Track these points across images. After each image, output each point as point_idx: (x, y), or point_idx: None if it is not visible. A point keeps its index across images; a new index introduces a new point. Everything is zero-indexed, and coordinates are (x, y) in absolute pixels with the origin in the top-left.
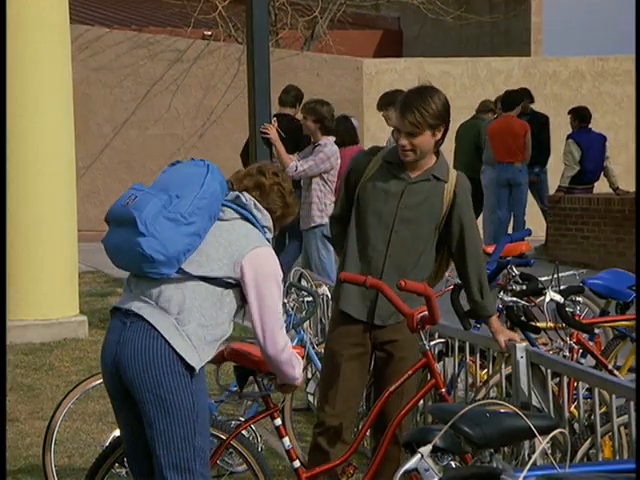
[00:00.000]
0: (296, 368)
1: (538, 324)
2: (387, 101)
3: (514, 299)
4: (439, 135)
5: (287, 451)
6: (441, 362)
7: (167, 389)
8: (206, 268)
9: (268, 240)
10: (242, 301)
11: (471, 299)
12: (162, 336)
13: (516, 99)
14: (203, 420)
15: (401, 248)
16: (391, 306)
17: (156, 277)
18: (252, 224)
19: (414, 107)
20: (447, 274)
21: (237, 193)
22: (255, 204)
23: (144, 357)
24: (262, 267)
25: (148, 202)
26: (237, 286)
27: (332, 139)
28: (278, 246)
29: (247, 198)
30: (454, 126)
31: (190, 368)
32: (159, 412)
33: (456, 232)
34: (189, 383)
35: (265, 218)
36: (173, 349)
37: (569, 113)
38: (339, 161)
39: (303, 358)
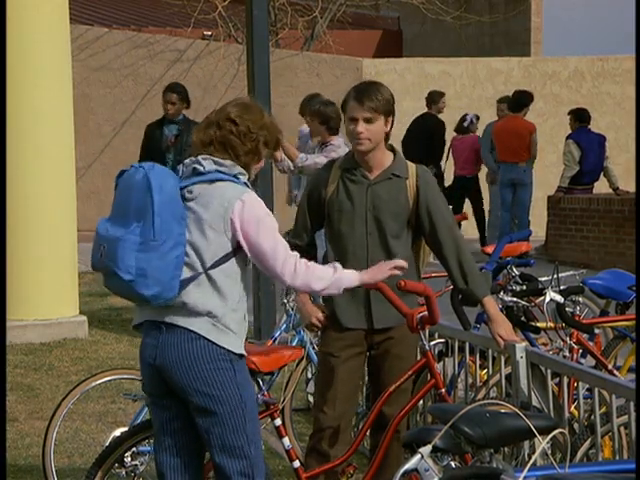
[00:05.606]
0: (324, 280)
1: (538, 324)
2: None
3: (514, 299)
4: (388, 126)
5: (287, 451)
6: (441, 362)
7: (214, 386)
8: (207, 258)
9: (246, 184)
10: (244, 257)
11: (457, 287)
12: (202, 336)
13: (524, 101)
14: (251, 407)
15: (379, 250)
16: (387, 307)
17: (169, 304)
18: (221, 180)
19: (371, 93)
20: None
21: (192, 165)
22: (214, 161)
23: (187, 359)
24: (246, 213)
25: (117, 249)
26: (237, 248)
27: (342, 140)
28: None
29: (202, 162)
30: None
31: (234, 359)
32: (208, 408)
33: (426, 222)
34: (234, 377)
35: (231, 167)
36: (216, 345)
37: (569, 114)
38: None
39: (303, 358)
